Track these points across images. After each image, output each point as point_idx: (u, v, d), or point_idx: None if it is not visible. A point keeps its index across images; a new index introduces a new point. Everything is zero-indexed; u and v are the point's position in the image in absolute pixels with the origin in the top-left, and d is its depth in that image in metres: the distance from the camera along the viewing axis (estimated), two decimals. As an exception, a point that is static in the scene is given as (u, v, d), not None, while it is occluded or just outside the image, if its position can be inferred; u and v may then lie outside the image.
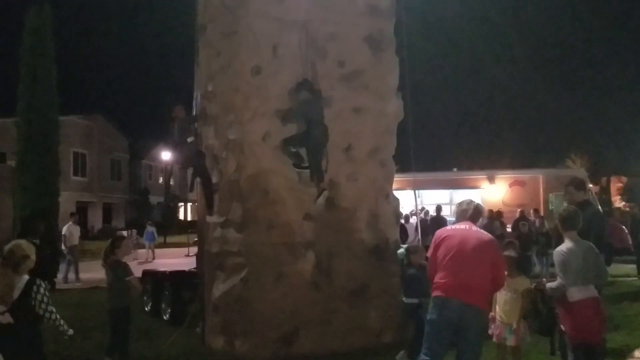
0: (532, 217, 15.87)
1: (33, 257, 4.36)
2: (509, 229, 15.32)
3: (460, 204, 4.97)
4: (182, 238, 28.21)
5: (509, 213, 16.18)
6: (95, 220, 39.90)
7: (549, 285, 4.80)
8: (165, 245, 28.16)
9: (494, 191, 18.08)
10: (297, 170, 6.96)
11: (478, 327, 4.44)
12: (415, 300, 6.38)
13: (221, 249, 7.04)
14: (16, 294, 4.16)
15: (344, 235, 7.10)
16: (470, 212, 4.72)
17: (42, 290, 4.25)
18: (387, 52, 7.53)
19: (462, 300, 4.33)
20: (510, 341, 5.48)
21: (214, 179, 7.41)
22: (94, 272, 16.01)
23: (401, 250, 6.92)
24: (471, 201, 4.93)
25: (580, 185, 6.25)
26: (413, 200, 18.45)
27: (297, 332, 6.76)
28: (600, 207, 15.94)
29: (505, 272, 4.89)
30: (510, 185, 18.05)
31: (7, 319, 4.10)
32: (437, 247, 4.59)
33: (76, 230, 15.67)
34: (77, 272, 14.80)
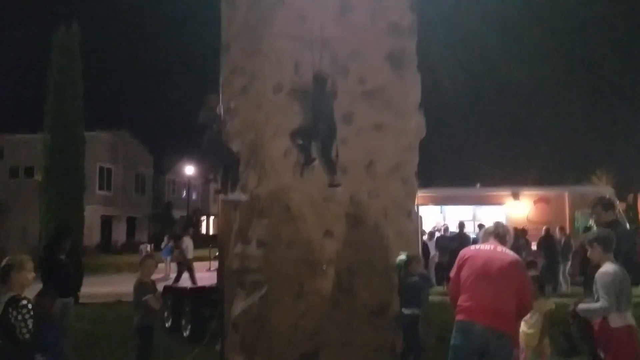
0: (557, 234, 15.55)
1: (27, 272, 4.18)
2: (534, 247, 15.03)
3: (487, 227, 4.87)
4: (204, 252, 28.34)
5: (533, 230, 15.87)
6: (119, 234, 40.40)
7: (584, 307, 4.63)
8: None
9: (518, 208, 17.77)
10: (306, 165, 6.81)
11: (503, 353, 4.25)
12: (416, 311, 6.25)
13: (241, 266, 7.02)
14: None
15: (366, 253, 7.02)
16: (498, 232, 4.58)
17: (14, 312, 4.02)
18: (408, 69, 7.50)
19: (484, 325, 4.18)
20: (537, 364, 5.35)
21: (235, 195, 7.43)
22: (116, 285, 16.21)
23: (401, 258, 6.71)
24: (499, 222, 4.84)
25: (608, 205, 6.10)
26: (436, 215, 18.33)
27: (317, 351, 6.68)
28: (627, 226, 15.58)
29: (532, 295, 4.75)
30: (535, 202, 17.71)
31: None
32: (461, 267, 4.47)
33: (191, 244, 15.95)
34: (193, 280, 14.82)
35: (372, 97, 7.27)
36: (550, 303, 5.45)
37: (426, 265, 12.29)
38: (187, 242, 16.48)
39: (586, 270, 6.44)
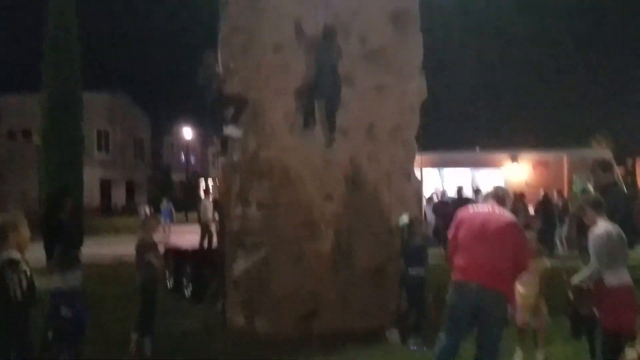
0: (555, 198, 15.62)
1: (22, 230, 4.15)
2: (531, 211, 15.12)
3: (487, 192, 4.90)
4: (204, 215, 28.49)
5: (532, 194, 15.92)
6: (119, 197, 40.54)
7: (577, 278, 4.70)
8: (187, 221, 28.51)
9: (517, 171, 17.78)
10: (307, 129, 6.78)
11: (498, 311, 4.34)
12: (421, 271, 6.35)
13: (242, 228, 7.06)
14: None
15: (365, 216, 7.06)
16: (497, 195, 4.62)
17: (8, 273, 4.01)
18: (411, 29, 7.38)
19: (480, 284, 4.24)
20: (534, 324, 5.45)
21: (235, 157, 7.41)
22: (117, 247, 16.35)
23: (404, 220, 6.78)
24: (499, 186, 4.88)
25: (607, 167, 6.17)
26: (435, 179, 18.35)
27: (316, 311, 6.79)
28: (625, 189, 15.64)
29: (528, 255, 4.80)
30: (534, 165, 17.72)
31: None
32: (458, 228, 4.51)
33: (210, 205, 16.04)
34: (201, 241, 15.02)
35: (373, 58, 7.16)
36: (545, 263, 5.52)
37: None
38: (206, 204, 16.72)
39: (581, 233, 6.50)
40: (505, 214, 4.47)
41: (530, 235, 5.48)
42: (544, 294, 5.48)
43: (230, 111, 7.15)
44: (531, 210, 15.26)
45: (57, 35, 15.44)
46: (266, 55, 6.84)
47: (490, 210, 4.51)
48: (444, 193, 16.27)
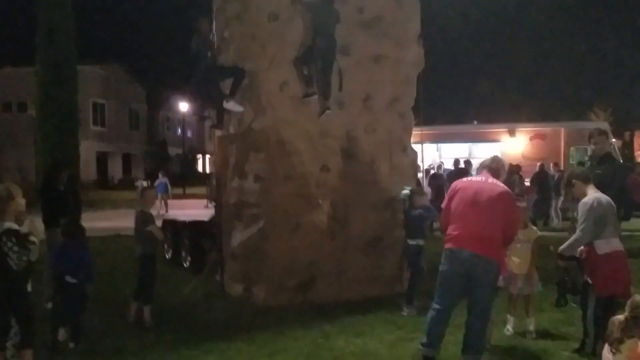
0: (552, 170, 15.69)
1: (18, 199, 4.20)
2: (527, 183, 15.20)
3: (483, 160, 4.93)
4: (200, 189, 28.56)
5: (528, 167, 16.00)
6: (115, 170, 40.48)
7: (563, 246, 4.76)
8: (184, 196, 28.59)
9: (515, 144, 17.83)
10: (306, 98, 6.74)
11: (489, 277, 4.42)
12: (420, 242, 6.44)
13: (239, 200, 7.10)
14: None
15: (361, 187, 7.09)
16: (491, 166, 4.65)
17: (9, 244, 4.07)
18: (408, -2, 7.30)
19: (471, 251, 4.32)
20: (525, 290, 5.54)
21: (231, 129, 7.40)
22: (114, 220, 16.42)
23: (405, 192, 6.86)
24: (494, 157, 4.89)
25: (607, 134, 6.22)
26: (433, 153, 18.38)
27: (313, 280, 6.88)
28: (621, 161, 15.71)
29: (518, 226, 4.85)
30: (531, 138, 17.77)
31: None
32: (452, 198, 4.57)
33: None
34: None
35: (370, 26, 7.10)
36: (536, 232, 5.60)
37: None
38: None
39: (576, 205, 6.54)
40: (497, 184, 4.52)
41: (522, 205, 5.54)
42: (536, 263, 5.56)
43: (227, 84, 7.08)
44: (528, 182, 15.38)
45: (50, 9, 15.22)
46: (261, 24, 6.77)
47: (484, 180, 4.56)
48: (439, 166, 16.31)
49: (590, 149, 6.07)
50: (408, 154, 7.64)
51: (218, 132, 7.79)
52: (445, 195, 4.93)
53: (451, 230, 4.48)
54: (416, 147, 17.69)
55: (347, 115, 7.03)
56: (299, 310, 6.47)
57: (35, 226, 4.35)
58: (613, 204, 4.67)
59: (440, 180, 14.68)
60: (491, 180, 4.53)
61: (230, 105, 7.00)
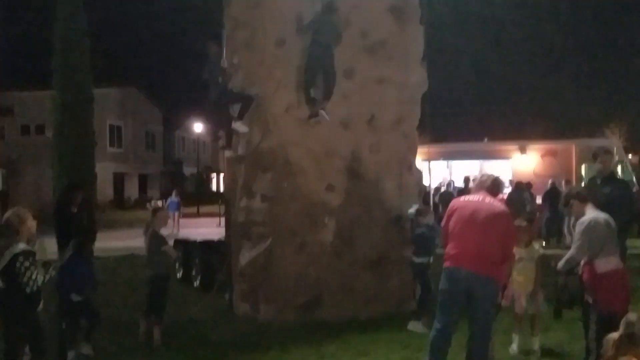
0: (563, 188, 15.62)
1: (29, 222, 4.38)
2: (539, 200, 15.15)
3: (480, 176, 5.01)
4: (214, 208, 28.81)
5: (540, 184, 15.96)
6: (132, 190, 41.00)
7: (561, 262, 4.82)
8: (198, 215, 28.85)
9: (526, 162, 17.81)
10: (313, 119, 6.88)
11: (487, 295, 4.48)
12: (425, 260, 6.52)
13: (247, 219, 7.25)
14: (5, 260, 4.24)
15: (366, 206, 7.20)
16: (488, 184, 4.71)
17: (26, 263, 4.22)
18: (411, 22, 7.47)
19: (469, 269, 4.38)
20: (530, 310, 5.57)
21: (240, 150, 7.58)
22: (129, 240, 16.64)
23: (411, 210, 6.98)
24: (491, 174, 4.96)
25: (612, 154, 6.29)
26: (443, 170, 18.43)
27: (319, 299, 6.97)
28: (633, 178, 15.62)
29: (514, 245, 4.89)
30: (542, 155, 17.74)
31: None
32: (450, 217, 4.65)
33: None
34: None
35: (374, 50, 7.27)
36: (539, 250, 5.64)
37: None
38: None
39: None
40: (494, 204, 4.59)
41: (523, 224, 5.60)
42: (540, 281, 5.60)
43: (237, 107, 7.31)
44: (539, 200, 15.33)
45: (66, 33, 15.75)
46: (268, 50, 6.99)
47: (481, 199, 4.62)
48: (449, 183, 16.35)
49: (595, 168, 6.11)
50: (413, 172, 7.75)
51: (227, 153, 7.98)
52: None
53: (449, 249, 4.55)
54: (426, 164, 17.83)
55: (352, 135, 7.18)
56: (305, 329, 6.54)
57: (44, 247, 4.53)
58: (612, 222, 4.71)
59: (451, 197, 14.70)
60: (488, 199, 4.60)
61: (237, 125, 7.23)
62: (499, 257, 4.50)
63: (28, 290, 4.22)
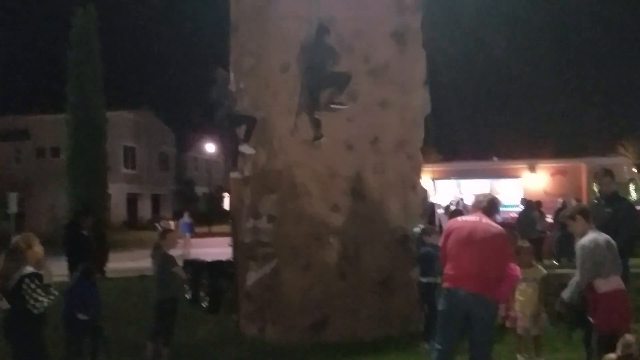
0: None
1: (36, 248, 4.55)
2: (549, 219, 15.08)
3: (477, 196, 5.06)
4: (226, 227, 28.86)
5: (550, 202, 15.89)
6: (145, 211, 41.38)
7: (566, 294, 4.82)
8: (210, 234, 29.00)
9: (535, 180, 17.77)
10: (315, 141, 7.01)
11: (486, 316, 4.49)
12: (432, 279, 6.53)
13: (253, 240, 7.36)
14: (13, 282, 4.39)
15: (371, 226, 7.28)
16: (484, 204, 4.76)
17: (32, 285, 4.36)
18: (412, 46, 7.62)
19: (467, 290, 4.42)
20: (533, 331, 5.58)
21: (246, 172, 7.73)
22: (141, 260, 16.78)
23: (416, 229, 7.02)
24: (488, 194, 5.02)
25: (613, 174, 6.30)
26: (454, 189, 18.46)
27: (326, 320, 7.02)
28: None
29: (513, 266, 4.85)
30: (552, 174, 17.71)
31: (4, 305, 4.43)
32: (447, 238, 4.71)
33: None
34: None
35: (376, 74, 7.42)
36: (542, 271, 5.66)
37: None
38: None
39: None
40: (491, 224, 4.63)
41: (525, 245, 5.64)
42: (544, 302, 5.61)
43: (242, 130, 7.49)
44: (549, 218, 15.25)
45: (80, 57, 16.18)
46: (274, 75, 7.18)
47: (477, 220, 4.68)
48: (458, 202, 16.35)
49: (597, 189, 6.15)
50: (418, 192, 7.82)
51: (233, 174, 8.13)
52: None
53: (447, 270, 4.61)
54: (437, 183, 17.76)
55: (355, 157, 7.30)
56: (312, 350, 6.58)
57: (49, 270, 4.68)
58: (613, 242, 4.74)
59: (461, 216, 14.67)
60: (485, 220, 4.65)
61: (243, 148, 7.40)
62: (496, 277, 4.53)
63: (35, 312, 4.34)
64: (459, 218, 5.04)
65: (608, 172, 6.55)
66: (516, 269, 4.86)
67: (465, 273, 4.48)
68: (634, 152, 35.35)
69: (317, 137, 7.03)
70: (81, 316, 5.69)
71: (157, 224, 21.14)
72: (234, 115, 7.56)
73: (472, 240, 4.53)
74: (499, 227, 4.65)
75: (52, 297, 4.46)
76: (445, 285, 4.60)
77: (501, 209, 5.56)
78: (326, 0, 7.18)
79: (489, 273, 4.48)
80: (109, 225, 17.35)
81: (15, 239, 4.61)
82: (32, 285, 4.35)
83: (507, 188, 17.93)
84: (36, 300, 4.34)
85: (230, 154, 7.98)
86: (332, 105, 7.05)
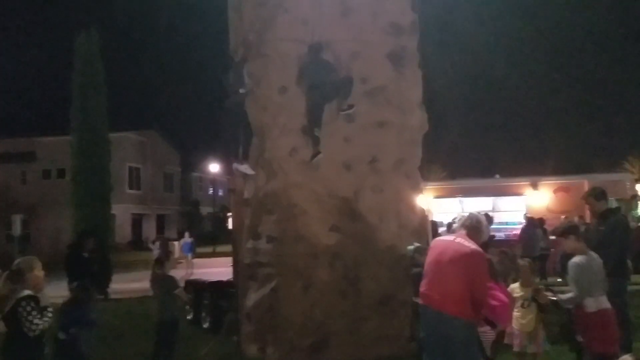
0: (577, 223, 15.47)
1: (37, 272, 4.62)
2: (552, 237, 15.03)
3: (462, 216, 4.98)
4: (230, 247, 28.79)
5: (553, 220, 15.84)
6: (150, 231, 41.46)
7: (562, 297, 4.87)
8: (214, 254, 28.99)
9: (538, 198, 17.75)
10: (314, 160, 7.10)
11: (459, 336, 4.33)
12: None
13: (253, 260, 7.39)
14: (10, 304, 4.43)
15: (370, 246, 7.31)
16: (467, 224, 4.62)
17: (28, 308, 4.39)
18: (409, 67, 7.73)
19: (435, 308, 4.37)
20: (531, 349, 5.56)
21: (246, 194, 7.79)
22: (144, 281, 16.81)
23: (410, 247, 6.99)
24: (473, 214, 4.82)
25: (600, 195, 6.27)
26: (457, 207, 18.43)
27: (326, 340, 7.01)
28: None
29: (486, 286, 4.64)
30: (555, 191, 17.67)
31: (1, 327, 4.47)
32: (428, 257, 4.69)
33: None
34: None
35: (374, 95, 7.51)
36: (541, 290, 5.65)
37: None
38: None
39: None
40: (463, 244, 4.46)
41: (523, 263, 5.65)
42: (542, 320, 5.60)
43: (240, 149, 7.57)
44: (552, 236, 15.20)
45: (84, 80, 16.45)
46: (272, 97, 7.28)
47: (452, 239, 4.59)
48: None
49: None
50: (417, 212, 7.86)
51: (233, 196, 8.19)
52: None
53: (421, 288, 4.60)
54: (440, 201, 17.74)
55: (354, 176, 7.36)
56: (312, 370, 6.57)
57: (45, 294, 4.72)
58: (601, 261, 4.78)
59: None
60: (459, 239, 4.51)
61: (244, 168, 7.47)
62: (467, 296, 4.34)
63: (31, 334, 4.38)
64: (439, 238, 5.01)
65: (595, 191, 6.45)
66: (501, 295, 4.77)
67: (434, 292, 4.43)
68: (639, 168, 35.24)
69: (315, 155, 7.11)
70: (60, 334, 5.69)
71: (151, 245, 20.55)
72: (242, 112, 7.54)
73: (441, 259, 4.47)
74: (473, 247, 4.46)
75: (46, 320, 4.49)
76: (420, 302, 4.60)
77: (493, 227, 5.48)
78: (323, 23, 7.32)
79: (457, 292, 4.33)
80: (113, 245, 17.38)
81: (18, 261, 4.68)
82: (28, 308, 4.38)
83: (510, 205, 17.91)
84: (31, 322, 4.37)
85: (236, 143, 7.85)
86: (341, 112, 7.21)
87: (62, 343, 5.68)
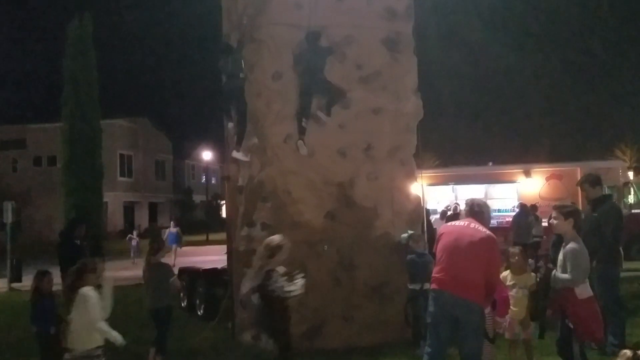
0: (569, 210, 15.54)
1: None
2: (544, 223, 15.11)
3: (467, 202, 5.05)
4: (223, 235, 28.80)
5: (546, 207, 15.91)
6: (142, 219, 41.33)
7: (559, 275, 4.86)
8: (207, 242, 28.97)
9: (531, 185, 17.81)
10: (298, 141, 7.06)
11: (471, 320, 4.47)
12: (418, 286, 6.54)
13: (247, 247, 7.35)
14: None
15: (365, 233, 7.30)
16: (475, 210, 4.75)
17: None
18: (404, 53, 7.66)
19: (452, 293, 4.44)
20: (522, 335, 5.60)
21: (241, 181, 7.74)
22: (137, 269, 16.80)
23: (404, 235, 7.03)
24: (478, 200, 5.03)
25: (595, 181, 6.28)
26: (450, 194, 18.50)
27: (320, 327, 7.02)
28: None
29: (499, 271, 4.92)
30: (547, 178, 17.74)
31: None
32: (437, 242, 4.74)
33: None
34: None
35: (369, 81, 7.46)
36: (532, 278, 5.67)
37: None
38: None
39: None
40: (479, 229, 4.61)
41: (515, 251, 5.67)
42: (532, 308, 5.62)
43: (234, 137, 7.52)
44: (545, 223, 15.28)
45: (75, 68, 16.26)
46: (266, 84, 7.20)
47: (466, 225, 4.69)
48: (455, 207, 16.37)
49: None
50: (411, 199, 7.84)
51: (228, 183, 8.14)
52: None
53: (435, 273, 4.64)
54: (433, 188, 17.74)
55: (349, 164, 7.32)
56: (307, 357, 6.57)
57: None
58: (586, 249, 4.83)
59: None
60: (473, 225, 4.64)
61: (238, 155, 7.41)
62: (482, 282, 4.49)
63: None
64: (449, 223, 5.06)
65: (590, 177, 6.48)
66: (505, 291, 4.98)
67: (450, 277, 4.49)
68: (632, 155, 35.52)
69: (299, 139, 7.06)
70: (33, 327, 5.64)
71: (130, 235, 19.71)
72: (241, 98, 7.48)
73: (458, 245, 4.54)
74: (487, 232, 4.62)
75: None
76: (433, 287, 4.63)
77: (493, 214, 5.55)
78: (318, 8, 7.22)
79: (474, 277, 4.47)
80: (105, 233, 17.32)
81: (80, 262, 4.91)
82: None
83: (503, 193, 17.96)
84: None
85: (226, 163, 7.94)
86: (318, 112, 7.09)
87: (38, 335, 5.62)
